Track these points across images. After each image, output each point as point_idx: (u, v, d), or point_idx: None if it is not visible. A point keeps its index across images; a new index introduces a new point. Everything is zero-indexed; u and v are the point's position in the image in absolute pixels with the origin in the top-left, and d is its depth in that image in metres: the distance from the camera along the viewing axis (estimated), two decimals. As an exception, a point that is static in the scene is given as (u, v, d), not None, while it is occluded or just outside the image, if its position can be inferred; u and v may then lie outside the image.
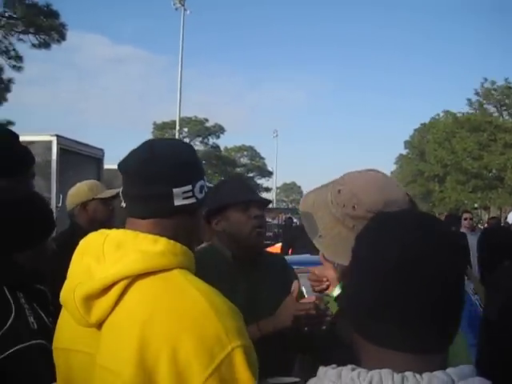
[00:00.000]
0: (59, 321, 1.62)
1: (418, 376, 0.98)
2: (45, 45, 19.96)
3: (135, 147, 1.61)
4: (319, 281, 2.33)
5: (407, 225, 1.09)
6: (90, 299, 1.41)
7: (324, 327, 2.31)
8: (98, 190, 4.20)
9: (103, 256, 1.46)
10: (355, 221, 1.76)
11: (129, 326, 1.37)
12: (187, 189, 1.53)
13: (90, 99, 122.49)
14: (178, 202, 1.52)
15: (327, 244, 1.83)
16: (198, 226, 1.65)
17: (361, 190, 1.81)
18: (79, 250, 1.56)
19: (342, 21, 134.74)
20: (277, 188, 76.62)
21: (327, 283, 2.29)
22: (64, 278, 1.54)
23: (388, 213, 1.19)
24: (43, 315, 1.95)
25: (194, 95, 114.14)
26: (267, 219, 4.38)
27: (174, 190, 1.51)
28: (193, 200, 1.54)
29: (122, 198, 1.59)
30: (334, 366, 1.08)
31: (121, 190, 1.59)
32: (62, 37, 20.10)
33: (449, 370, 1.00)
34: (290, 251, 8.47)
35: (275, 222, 26.71)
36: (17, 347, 1.75)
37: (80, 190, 4.18)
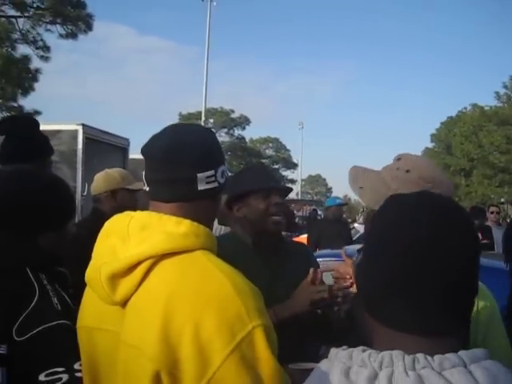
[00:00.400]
0: (83, 300, 1.66)
1: (429, 358, 0.97)
2: (72, 35, 20.03)
3: (157, 132, 1.64)
4: (343, 278, 2.38)
5: (423, 205, 1.08)
6: (116, 278, 1.44)
7: (339, 310, 2.32)
8: (128, 179, 4.23)
9: (128, 236, 1.50)
10: (402, 184, 1.83)
11: (153, 303, 1.39)
12: (210, 174, 1.57)
13: (116, 89, 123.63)
14: (201, 187, 1.56)
15: (366, 194, 1.93)
16: (217, 210, 1.68)
17: (419, 161, 1.95)
18: (104, 231, 1.60)
19: (371, 16, 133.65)
20: (302, 180, 76.48)
21: (351, 280, 2.34)
22: (86, 262, 1.57)
23: (405, 194, 1.17)
24: (66, 296, 1.98)
25: (220, 86, 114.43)
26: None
27: (198, 175, 1.55)
28: (215, 184, 1.59)
29: (144, 181, 1.62)
30: (344, 347, 1.07)
31: (143, 173, 1.62)
32: (89, 27, 20.17)
33: (461, 353, 0.98)
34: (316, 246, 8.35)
35: (300, 213, 26.64)
36: (41, 327, 1.76)
37: (111, 177, 4.19)
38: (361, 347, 1.05)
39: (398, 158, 1.94)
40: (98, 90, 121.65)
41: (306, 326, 2.49)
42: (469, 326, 1.11)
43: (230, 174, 1.91)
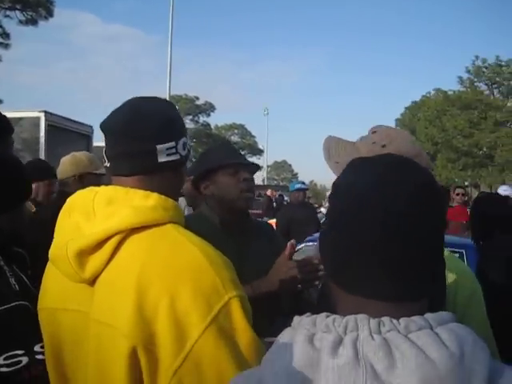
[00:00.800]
0: (43, 282, 1.60)
1: (394, 321, 0.95)
2: (32, 21, 19.78)
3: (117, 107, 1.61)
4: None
5: (379, 167, 1.06)
6: (84, 254, 1.40)
7: (318, 284, 2.29)
8: (96, 164, 4.20)
9: (93, 212, 1.46)
10: None
11: (124, 278, 1.36)
12: (170, 145, 1.54)
13: (81, 77, 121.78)
14: (161, 159, 1.53)
15: (342, 168, 1.80)
16: (181, 183, 1.66)
17: (396, 135, 1.84)
18: (66, 208, 1.56)
19: (334, 1, 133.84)
20: (268, 166, 76.65)
21: None
22: (49, 246, 1.52)
23: (366, 157, 1.14)
24: (24, 277, 1.92)
25: (185, 74, 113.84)
26: (257, 197, 4.52)
27: (158, 147, 1.52)
28: (176, 156, 1.56)
29: (105, 158, 1.58)
30: (308, 314, 1.05)
31: (103, 150, 1.58)
32: (50, 13, 19.91)
33: (427, 316, 0.97)
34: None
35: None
36: None
37: (79, 161, 4.15)
38: (324, 313, 1.03)
39: (374, 131, 1.89)
40: (63, 79, 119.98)
41: (282, 301, 2.46)
42: (443, 292, 1.09)
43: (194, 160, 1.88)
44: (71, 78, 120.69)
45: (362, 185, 1.03)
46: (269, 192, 22.95)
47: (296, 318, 1.06)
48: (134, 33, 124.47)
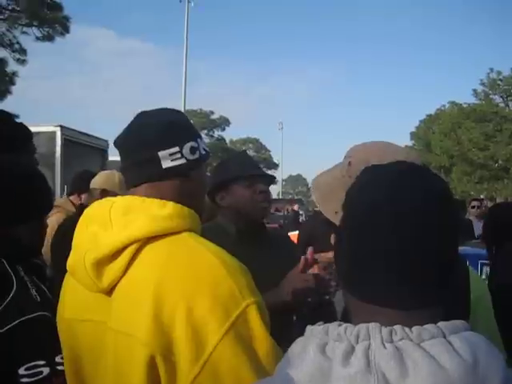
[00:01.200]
0: (62, 293, 1.62)
1: (407, 329, 0.95)
2: (48, 37, 19.89)
3: None
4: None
5: (393, 174, 1.06)
6: (101, 264, 1.41)
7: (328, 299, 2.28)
8: (124, 186, 4.17)
9: (110, 222, 1.47)
10: (349, 180, 1.59)
11: (142, 287, 1.36)
12: (174, 150, 1.54)
13: (96, 92, 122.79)
14: (166, 165, 1.53)
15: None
16: (198, 189, 1.64)
17: (373, 155, 1.64)
18: (83, 219, 1.57)
19: (348, 15, 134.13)
20: (283, 180, 76.67)
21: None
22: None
23: (379, 165, 1.13)
24: (44, 288, 1.94)
25: (200, 88, 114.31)
26: (272, 211, 4.54)
27: (160, 153, 1.53)
28: (182, 161, 1.55)
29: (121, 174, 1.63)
30: (320, 323, 1.06)
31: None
32: (66, 29, 20.04)
33: (440, 324, 0.97)
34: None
35: (281, 213, 26.69)
36: (21, 319, 1.72)
37: (110, 179, 4.19)
38: (337, 322, 1.03)
39: (349, 162, 1.76)
40: (77, 93, 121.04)
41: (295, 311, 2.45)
42: (457, 299, 1.09)
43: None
44: (86, 93, 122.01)
45: (374, 192, 1.03)
46: (295, 207, 23.33)
47: (308, 327, 1.07)
48: (149, 47, 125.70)
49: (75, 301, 1.54)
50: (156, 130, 1.54)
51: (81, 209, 4.17)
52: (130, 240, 1.40)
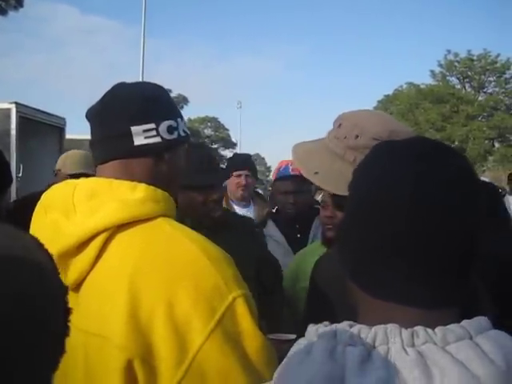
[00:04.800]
0: None
1: (430, 331, 0.84)
2: (1, 11, 19.39)
3: None
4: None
5: (421, 155, 0.92)
6: (65, 257, 1.26)
7: None
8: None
9: (74, 209, 1.31)
10: (357, 152, 1.62)
11: (114, 283, 1.22)
12: (149, 127, 1.40)
13: (57, 70, 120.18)
14: (138, 142, 1.39)
15: (325, 178, 1.69)
16: (172, 172, 1.48)
17: (364, 119, 1.71)
18: (41, 205, 1.40)
19: (312, 3, 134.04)
20: (241, 160, 76.63)
21: None
22: None
23: (393, 141, 1.01)
24: None
25: (160, 67, 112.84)
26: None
27: (133, 128, 1.39)
28: (157, 139, 1.41)
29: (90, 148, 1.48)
30: (326, 323, 0.92)
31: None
32: (20, 3, 19.56)
33: (464, 323, 0.86)
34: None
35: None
36: None
37: (66, 159, 3.94)
38: (347, 322, 0.91)
39: (339, 124, 1.74)
40: (37, 71, 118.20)
41: None
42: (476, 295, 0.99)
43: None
44: (47, 70, 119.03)
45: (391, 175, 0.91)
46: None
47: (311, 327, 0.93)
48: (112, 25, 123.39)
49: None
50: (131, 102, 1.41)
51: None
52: (98, 229, 1.25)
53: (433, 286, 0.88)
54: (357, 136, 1.65)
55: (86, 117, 1.46)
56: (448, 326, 0.85)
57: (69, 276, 1.26)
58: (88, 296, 1.27)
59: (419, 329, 0.84)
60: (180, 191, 2.44)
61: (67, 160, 3.96)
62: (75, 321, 1.25)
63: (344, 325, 0.90)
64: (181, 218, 2.46)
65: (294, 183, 3.52)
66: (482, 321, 0.88)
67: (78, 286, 1.28)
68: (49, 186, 4.09)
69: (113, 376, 1.17)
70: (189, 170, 2.49)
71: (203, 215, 2.52)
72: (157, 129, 1.41)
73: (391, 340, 0.84)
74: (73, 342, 1.25)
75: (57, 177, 3.89)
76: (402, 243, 0.88)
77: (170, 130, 1.43)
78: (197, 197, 2.51)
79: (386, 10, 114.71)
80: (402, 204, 0.88)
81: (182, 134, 1.48)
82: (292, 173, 3.53)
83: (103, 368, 1.20)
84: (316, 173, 1.69)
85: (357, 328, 0.88)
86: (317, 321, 0.95)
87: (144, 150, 1.40)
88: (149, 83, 1.57)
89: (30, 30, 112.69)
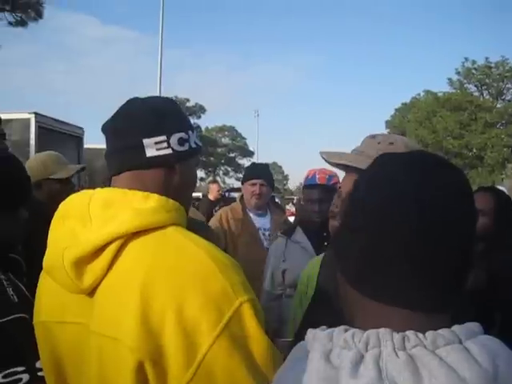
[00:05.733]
0: (38, 293, 1.52)
1: (420, 335, 0.88)
2: (21, 23, 19.62)
3: None
4: None
5: (412, 167, 0.98)
6: (82, 263, 1.31)
7: None
8: (53, 167, 3.76)
9: (89, 217, 1.37)
10: None
11: (127, 287, 1.27)
12: (160, 139, 1.46)
13: (77, 80, 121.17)
14: (150, 153, 1.45)
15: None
16: (184, 183, 1.53)
17: (396, 135, 1.95)
18: (59, 214, 1.46)
19: (326, 8, 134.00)
20: (258, 168, 76.46)
21: None
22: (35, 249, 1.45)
23: (392, 154, 1.06)
24: (22, 287, 1.82)
25: (179, 76, 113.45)
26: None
27: (145, 141, 1.45)
28: (168, 151, 1.46)
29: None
30: (323, 327, 0.97)
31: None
32: (39, 14, 19.78)
33: (455, 328, 0.90)
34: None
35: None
36: None
37: (32, 167, 3.59)
38: (342, 326, 0.96)
39: (372, 136, 1.91)
40: (57, 81, 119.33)
41: None
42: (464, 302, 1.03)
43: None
44: (67, 80, 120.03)
45: (394, 184, 0.96)
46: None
47: (310, 332, 0.99)
48: (132, 35, 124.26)
49: (53, 301, 1.44)
50: (143, 116, 1.47)
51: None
52: (113, 237, 1.30)
53: (432, 293, 0.93)
54: (391, 143, 1.86)
55: (102, 130, 1.53)
56: (438, 331, 0.89)
57: (85, 281, 1.32)
58: (102, 300, 1.32)
59: (410, 333, 0.89)
60: None
61: (49, 165, 3.79)
62: (91, 324, 1.31)
63: (340, 329, 0.95)
64: None
65: (320, 192, 3.57)
66: (472, 326, 0.92)
67: (93, 291, 1.33)
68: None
69: (125, 376, 1.22)
70: None
71: None
72: (168, 141, 1.46)
73: (383, 343, 0.88)
74: (88, 344, 1.32)
75: (47, 185, 3.73)
76: (411, 253, 0.92)
77: (181, 141, 1.49)
78: None
79: (404, 19, 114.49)
80: (404, 213, 0.92)
81: (193, 145, 1.53)
82: (318, 182, 3.60)
83: (116, 369, 1.25)
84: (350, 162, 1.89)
85: (351, 332, 0.92)
86: (315, 324, 1.00)
87: (156, 162, 1.46)
88: (160, 97, 1.62)
89: (51, 40, 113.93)
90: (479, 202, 3.19)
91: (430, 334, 0.88)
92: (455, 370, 0.83)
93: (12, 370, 1.59)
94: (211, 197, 11.10)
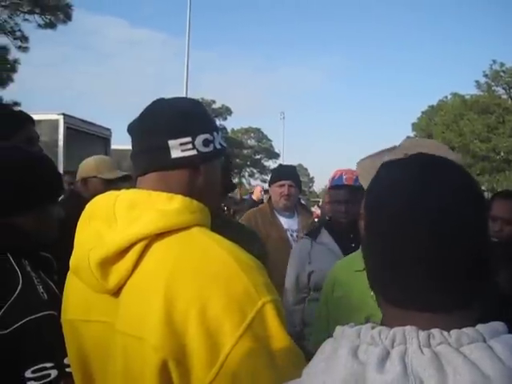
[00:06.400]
0: (65, 292, 1.54)
1: (445, 333, 0.89)
2: (50, 25, 19.82)
3: None
4: None
5: (410, 168, 1.00)
6: (107, 263, 1.33)
7: None
8: (104, 167, 4.03)
9: (115, 218, 1.39)
10: None
11: (151, 288, 1.28)
12: (185, 140, 1.47)
13: (105, 81, 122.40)
14: (175, 155, 1.46)
15: None
16: (208, 184, 1.53)
17: (424, 143, 1.93)
18: (85, 215, 1.49)
19: (358, 14, 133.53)
20: (284, 170, 76.40)
21: None
22: (65, 246, 1.48)
23: (397, 159, 1.08)
24: (52, 284, 1.85)
25: (205, 77, 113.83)
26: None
27: (170, 142, 1.46)
28: (193, 152, 1.47)
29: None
30: (351, 324, 0.99)
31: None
32: (68, 17, 19.96)
33: (479, 327, 0.91)
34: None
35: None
36: (27, 319, 1.63)
37: (86, 164, 4.06)
38: (369, 324, 0.97)
39: (405, 154, 1.90)
40: (86, 83, 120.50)
41: None
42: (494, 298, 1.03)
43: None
44: (95, 81, 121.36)
45: (398, 190, 0.98)
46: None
47: (338, 329, 1.00)
48: (161, 37, 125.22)
49: (79, 300, 1.46)
50: (169, 117, 1.48)
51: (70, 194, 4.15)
52: (138, 237, 1.32)
53: (450, 292, 0.94)
54: (405, 154, 1.77)
55: (128, 131, 1.55)
56: (463, 329, 0.90)
57: (110, 281, 1.34)
58: (127, 300, 1.34)
59: (435, 331, 0.90)
60: None
61: (100, 166, 4.07)
62: (116, 323, 1.33)
63: (367, 326, 0.96)
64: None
65: (347, 193, 3.55)
66: (496, 325, 0.93)
67: (118, 291, 1.35)
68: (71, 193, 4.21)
69: (149, 375, 1.24)
70: None
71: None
72: (193, 142, 1.47)
73: (409, 341, 0.90)
74: (113, 342, 1.34)
75: (88, 184, 4.01)
76: (417, 255, 0.94)
77: (206, 143, 1.49)
78: None
79: (430, 21, 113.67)
80: (416, 221, 0.94)
81: (218, 146, 1.54)
82: (345, 182, 3.58)
83: (140, 367, 1.27)
84: None
85: (378, 329, 0.94)
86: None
87: (180, 163, 1.47)
88: (186, 98, 1.64)
89: (80, 42, 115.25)
90: (506, 209, 3.19)
91: (454, 332, 0.89)
92: (479, 368, 0.84)
93: (41, 365, 1.62)
94: (255, 197, 11.54)
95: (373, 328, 0.95)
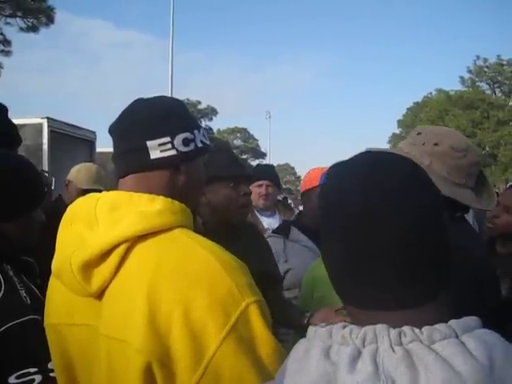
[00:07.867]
0: (48, 296, 1.53)
1: (416, 330, 0.88)
2: (33, 28, 19.75)
3: None
4: None
5: (363, 166, 0.99)
6: (89, 267, 1.32)
7: None
8: (83, 177, 4.16)
9: (96, 220, 1.38)
10: (433, 157, 1.84)
11: (134, 290, 1.28)
12: (164, 141, 1.45)
13: (91, 84, 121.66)
14: (154, 155, 1.45)
15: None
16: (190, 184, 1.52)
17: (444, 131, 1.96)
18: (67, 218, 1.47)
19: (340, 9, 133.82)
20: (270, 170, 76.45)
21: None
22: (47, 250, 1.47)
23: (345, 160, 1.05)
24: (35, 289, 1.84)
25: (191, 79, 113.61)
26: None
27: (148, 143, 1.44)
28: (172, 152, 1.46)
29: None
30: (323, 324, 0.98)
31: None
32: (51, 20, 19.87)
33: (451, 323, 0.90)
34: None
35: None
36: (10, 324, 1.62)
37: (79, 172, 4.20)
38: (341, 323, 0.96)
39: (418, 133, 1.94)
40: (72, 85, 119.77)
41: None
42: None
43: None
44: (80, 84, 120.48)
45: (346, 192, 0.97)
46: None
47: (311, 329, 0.99)
48: (144, 39, 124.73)
49: (62, 304, 1.45)
50: (147, 117, 1.46)
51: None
52: (119, 240, 1.31)
53: (418, 285, 0.94)
54: (436, 144, 1.85)
55: (108, 132, 1.54)
56: (435, 326, 0.89)
57: (93, 284, 1.33)
58: (110, 303, 1.33)
59: (406, 328, 0.89)
60: (206, 193, 2.42)
61: (80, 174, 4.18)
62: (99, 326, 1.32)
63: (339, 326, 0.96)
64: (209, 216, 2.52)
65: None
66: (469, 320, 0.92)
67: (101, 294, 1.34)
68: (59, 196, 4.45)
69: (133, 378, 1.23)
70: (220, 165, 2.48)
71: (235, 213, 2.50)
72: (172, 142, 1.46)
73: (380, 339, 0.89)
74: (97, 345, 1.33)
75: (68, 188, 4.22)
76: (388, 253, 0.93)
77: (186, 142, 1.48)
78: (229, 192, 2.48)
79: (415, 18, 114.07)
80: (370, 220, 0.93)
81: (200, 145, 1.52)
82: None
83: (124, 370, 1.26)
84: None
85: (349, 328, 0.93)
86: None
87: (160, 163, 1.45)
88: (165, 97, 1.61)
89: (65, 45, 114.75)
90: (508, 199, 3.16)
91: (426, 329, 0.89)
92: (451, 364, 0.84)
93: (25, 370, 1.60)
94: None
95: (344, 327, 0.94)
